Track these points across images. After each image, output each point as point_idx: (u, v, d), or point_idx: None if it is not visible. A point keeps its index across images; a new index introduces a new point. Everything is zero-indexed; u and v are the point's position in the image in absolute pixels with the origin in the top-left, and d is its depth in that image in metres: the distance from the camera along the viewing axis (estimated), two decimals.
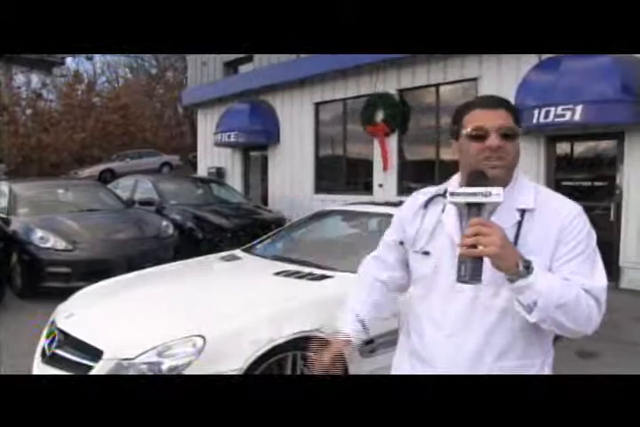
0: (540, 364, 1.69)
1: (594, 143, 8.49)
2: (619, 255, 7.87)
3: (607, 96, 7.20)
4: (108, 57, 33.58)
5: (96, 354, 3.07)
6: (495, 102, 1.63)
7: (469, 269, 1.43)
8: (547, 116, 7.63)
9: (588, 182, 8.34)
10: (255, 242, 5.23)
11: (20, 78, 28.14)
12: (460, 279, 1.45)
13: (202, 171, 17.03)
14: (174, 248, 8.02)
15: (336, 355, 1.87)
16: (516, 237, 1.57)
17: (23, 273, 7.12)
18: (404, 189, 10.77)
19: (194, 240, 9.16)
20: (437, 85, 10.44)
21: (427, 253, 1.73)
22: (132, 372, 2.94)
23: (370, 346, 3.41)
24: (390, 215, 4.34)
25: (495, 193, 1.45)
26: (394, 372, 1.94)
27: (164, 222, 8.44)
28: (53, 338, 3.47)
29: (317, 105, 12.93)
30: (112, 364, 2.98)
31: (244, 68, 15.76)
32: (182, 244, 8.36)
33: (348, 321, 1.95)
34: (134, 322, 3.35)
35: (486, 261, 1.44)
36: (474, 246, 1.42)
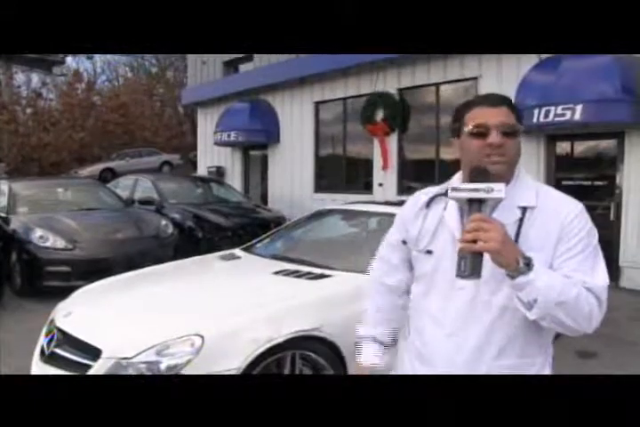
0: (540, 363, 1.69)
1: (594, 143, 8.49)
2: (619, 255, 7.87)
3: (607, 95, 7.19)
4: (109, 56, 33.63)
5: (95, 353, 3.07)
6: (496, 100, 1.63)
7: (469, 265, 1.43)
8: (547, 115, 7.63)
9: (588, 182, 8.33)
10: (254, 241, 5.23)
11: (20, 77, 28.21)
12: (460, 274, 1.45)
13: (202, 170, 17.03)
14: (174, 247, 8.02)
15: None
16: (517, 234, 1.57)
17: (23, 272, 7.12)
18: (404, 189, 10.77)
19: (193, 239, 9.16)
20: (437, 85, 10.44)
21: (429, 251, 1.73)
22: (130, 371, 2.94)
23: None
24: (390, 215, 4.34)
25: (497, 189, 1.46)
26: (394, 371, 1.94)
27: (164, 222, 8.43)
28: (52, 337, 3.47)
29: (317, 104, 12.93)
30: (110, 363, 2.98)
31: (244, 68, 15.75)
32: (182, 243, 8.36)
33: (367, 348, 1.99)
34: (133, 321, 3.36)
35: (486, 257, 1.44)
36: (474, 242, 1.42)
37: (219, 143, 14.79)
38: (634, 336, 5.55)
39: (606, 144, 8.30)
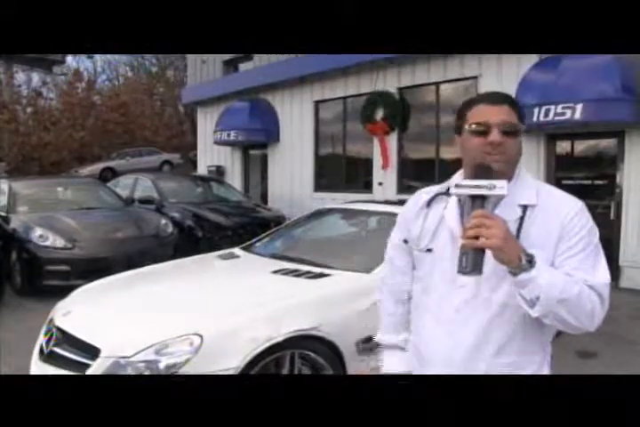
0: (538, 361, 1.69)
1: (594, 142, 8.48)
2: (619, 254, 7.87)
3: (607, 95, 7.19)
4: (109, 55, 33.57)
5: (93, 352, 3.07)
6: (499, 98, 1.64)
7: (471, 261, 1.43)
8: (547, 114, 7.62)
9: (588, 181, 8.33)
10: (254, 240, 5.24)
11: (20, 77, 28.15)
12: (461, 270, 1.45)
13: (202, 169, 17.02)
14: (173, 246, 8.02)
15: None
16: (518, 232, 1.57)
17: (22, 271, 7.13)
18: (404, 188, 10.77)
19: (193, 238, 9.15)
20: (437, 84, 10.42)
21: (430, 250, 1.74)
22: (129, 370, 2.94)
23: (369, 344, 3.41)
24: (390, 214, 4.36)
25: (500, 186, 1.46)
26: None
27: (164, 221, 8.43)
28: (51, 336, 3.48)
29: (317, 103, 12.92)
30: (109, 362, 2.98)
31: (243, 67, 15.74)
32: (182, 242, 8.36)
33: (391, 356, 1.98)
34: (132, 320, 3.36)
35: (488, 254, 1.44)
36: (476, 238, 1.42)
37: (218, 142, 14.78)
38: (634, 335, 5.56)
39: (606, 143, 8.30)
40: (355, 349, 3.44)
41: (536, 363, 1.68)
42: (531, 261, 1.44)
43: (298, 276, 3.92)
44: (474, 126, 1.60)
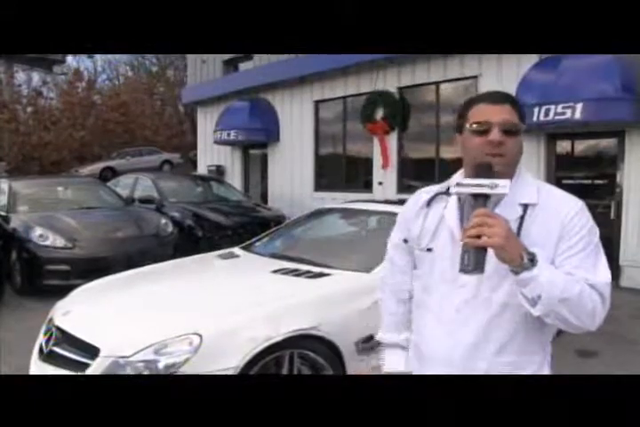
0: (539, 361, 1.69)
1: (594, 141, 8.48)
2: (619, 254, 7.87)
3: (607, 94, 7.18)
4: (109, 55, 33.57)
5: (93, 352, 3.07)
6: (500, 97, 1.64)
7: (473, 260, 1.43)
8: (547, 114, 7.62)
9: (588, 181, 8.34)
10: (254, 240, 5.24)
11: (20, 76, 28.17)
12: (464, 269, 1.45)
13: (202, 169, 17.02)
14: (173, 246, 8.02)
15: None
16: (519, 231, 1.57)
17: (23, 271, 7.13)
18: (404, 187, 10.76)
19: (193, 238, 9.15)
20: (437, 83, 10.43)
21: (430, 249, 1.74)
22: (128, 369, 2.95)
23: (368, 344, 3.41)
24: (390, 213, 4.35)
25: (502, 185, 1.46)
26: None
27: (164, 220, 8.43)
28: (51, 335, 3.48)
29: (317, 103, 12.92)
30: (108, 361, 2.98)
31: (243, 66, 15.73)
32: (181, 242, 8.36)
33: (392, 355, 1.98)
34: (131, 320, 3.36)
35: (490, 253, 1.44)
36: (478, 237, 1.42)
37: (218, 142, 14.78)
38: (635, 334, 5.56)
39: (607, 143, 8.30)
40: (354, 348, 3.44)
41: (536, 363, 1.68)
42: (532, 260, 1.44)
43: (297, 275, 3.92)
44: (474, 125, 1.60)
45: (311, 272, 3.96)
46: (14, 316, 6.14)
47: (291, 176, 13.49)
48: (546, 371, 1.71)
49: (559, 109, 7.50)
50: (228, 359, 2.99)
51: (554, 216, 1.59)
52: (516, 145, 1.60)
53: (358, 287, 3.67)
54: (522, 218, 1.60)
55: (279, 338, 3.14)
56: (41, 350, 3.49)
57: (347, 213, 5.44)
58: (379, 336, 2.04)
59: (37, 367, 3.38)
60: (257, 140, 13.97)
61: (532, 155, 8.44)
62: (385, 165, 11.12)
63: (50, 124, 23.75)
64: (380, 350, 2.04)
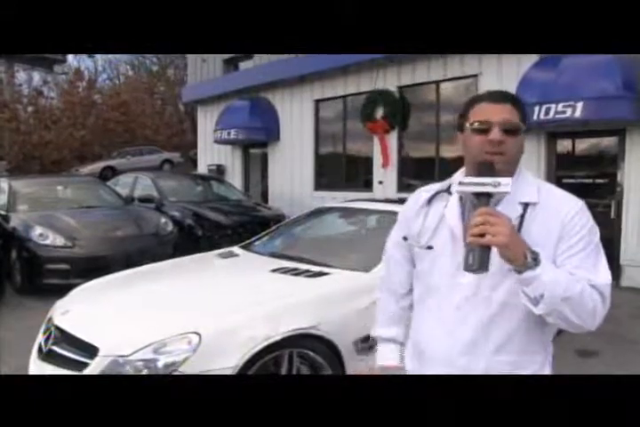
0: (540, 361, 1.69)
1: (595, 140, 8.48)
2: (619, 253, 7.87)
3: (608, 93, 7.18)
4: (110, 54, 33.56)
5: (92, 351, 3.07)
6: (501, 97, 1.64)
7: (477, 258, 1.43)
8: (547, 112, 7.62)
9: (588, 180, 8.34)
10: (253, 239, 5.24)
11: (21, 76, 28.21)
12: (468, 268, 1.45)
13: (202, 168, 17.01)
14: (173, 245, 8.03)
15: None
16: (519, 230, 1.57)
17: (22, 270, 7.14)
18: (404, 186, 10.75)
19: (193, 237, 9.16)
20: (438, 82, 10.42)
21: (430, 247, 1.74)
22: (127, 369, 2.95)
23: (367, 343, 3.41)
24: (390, 212, 4.35)
25: (504, 183, 1.47)
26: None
27: (163, 219, 8.44)
28: (50, 334, 3.48)
29: (317, 102, 12.91)
30: (107, 361, 2.98)
31: (243, 65, 15.72)
32: (181, 241, 8.37)
33: (384, 349, 1.98)
34: (130, 319, 3.36)
35: (493, 251, 1.44)
36: (482, 235, 1.42)
37: (219, 141, 14.77)
38: (635, 334, 5.56)
39: (607, 142, 8.30)
40: (353, 348, 3.44)
41: (538, 363, 1.68)
42: (536, 259, 1.44)
43: (297, 274, 3.92)
44: (475, 124, 1.61)
45: (310, 271, 3.96)
46: (14, 315, 6.15)
47: (291, 175, 13.48)
48: (547, 371, 1.71)
49: (559, 108, 7.49)
50: (227, 358, 2.99)
51: (554, 216, 1.59)
52: (516, 144, 1.60)
53: (357, 287, 3.67)
54: (522, 217, 1.60)
55: (278, 337, 3.14)
56: (40, 349, 3.49)
57: (346, 212, 5.44)
58: (372, 332, 2.04)
59: (36, 366, 3.38)
60: (257, 139, 13.96)
61: (533, 154, 8.44)
62: (385, 164, 11.11)
63: (50, 124, 23.78)
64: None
